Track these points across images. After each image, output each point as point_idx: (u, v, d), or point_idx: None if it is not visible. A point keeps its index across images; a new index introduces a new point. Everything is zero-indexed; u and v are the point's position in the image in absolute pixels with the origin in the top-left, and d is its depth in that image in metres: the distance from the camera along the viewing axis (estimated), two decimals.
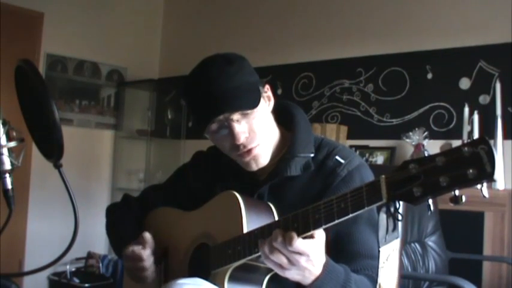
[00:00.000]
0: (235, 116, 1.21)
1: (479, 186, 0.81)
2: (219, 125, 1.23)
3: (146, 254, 1.31)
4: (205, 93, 1.22)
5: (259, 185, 1.29)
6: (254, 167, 1.28)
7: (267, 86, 1.31)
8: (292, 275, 1.04)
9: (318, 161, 1.28)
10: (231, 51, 1.31)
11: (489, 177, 0.77)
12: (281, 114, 1.35)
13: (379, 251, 0.95)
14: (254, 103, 1.23)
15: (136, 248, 1.31)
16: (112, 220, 1.53)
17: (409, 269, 2.15)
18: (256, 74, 1.29)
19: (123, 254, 1.34)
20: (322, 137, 1.37)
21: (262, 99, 1.26)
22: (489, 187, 2.75)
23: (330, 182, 1.24)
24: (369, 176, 1.28)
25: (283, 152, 1.31)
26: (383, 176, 0.89)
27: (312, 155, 1.29)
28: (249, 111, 1.22)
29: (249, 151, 1.25)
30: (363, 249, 1.19)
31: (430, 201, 0.85)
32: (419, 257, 2.22)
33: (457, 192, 0.81)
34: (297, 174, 1.27)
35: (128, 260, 1.33)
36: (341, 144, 1.36)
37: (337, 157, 1.27)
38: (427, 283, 2.22)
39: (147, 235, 1.33)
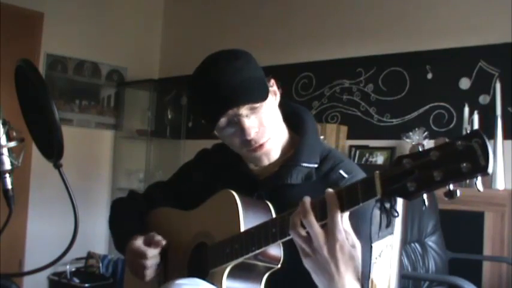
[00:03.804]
0: (244, 111, 1.20)
1: (474, 180, 0.80)
2: (228, 121, 1.22)
3: (151, 254, 1.29)
4: (213, 89, 1.21)
5: (259, 185, 1.29)
6: (266, 162, 1.27)
7: (272, 81, 1.30)
8: (317, 264, 0.95)
9: (321, 173, 1.27)
10: None
11: (483, 170, 0.76)
12: (291, 118, 1.34)
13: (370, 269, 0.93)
14: (263, 96, 1.22)
15: (143, 245, 1.30)
16: (116, 213, 1.53)
17: (409, 269, 2.15)
18: (261, 69, 1.28)
19: (128, 247, 1.32)
20: (330, 148, 1.35)
21: (269, 93, 1.25)
22: (488, 187, 2.75)
23: None
24: None
25: (288, 156, 1.30)
26: (377, 172, 0.89)
27: (316, 165, 1.27)
28: (257, 105, 1.21)
29: (261, 146, 1.24)
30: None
31: (425, 196, 0.84)
32: (419, 257, 2.22)
33: (451, 186, 0.80)
34: (297, 183, 1.25)
35: (130, 253, 1.32)
36: (347, 159, 1.34)
37: (341, 171, 1.25)
38: (427, 283, 2.22)
39: (158, 237, 1.31)
